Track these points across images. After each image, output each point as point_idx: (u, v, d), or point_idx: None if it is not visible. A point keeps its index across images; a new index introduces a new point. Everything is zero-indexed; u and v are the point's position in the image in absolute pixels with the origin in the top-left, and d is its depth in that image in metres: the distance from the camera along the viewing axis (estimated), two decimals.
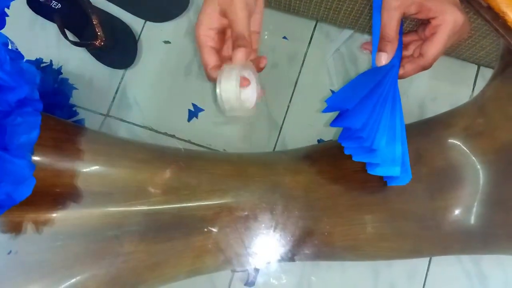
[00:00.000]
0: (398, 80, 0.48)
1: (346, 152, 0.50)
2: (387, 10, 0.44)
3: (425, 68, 0.46)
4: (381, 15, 0.45)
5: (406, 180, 0.49)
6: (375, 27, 0.48)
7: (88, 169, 0.49)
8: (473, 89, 0.76)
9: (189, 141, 0.75)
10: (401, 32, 0.48)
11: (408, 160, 0.48)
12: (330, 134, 0.74)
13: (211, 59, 0.44)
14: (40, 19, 0.78)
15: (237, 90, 0.40)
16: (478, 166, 0.53)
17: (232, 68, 0.41)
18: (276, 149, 0.74)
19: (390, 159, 0.47)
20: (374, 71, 0.48)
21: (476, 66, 0.77)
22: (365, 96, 0.46)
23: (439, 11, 0.43)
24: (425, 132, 0.56)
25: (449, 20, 0.43)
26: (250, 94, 0.45)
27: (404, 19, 0.47)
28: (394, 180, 0.50)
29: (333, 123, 0.49)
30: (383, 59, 0.46)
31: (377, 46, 0.47)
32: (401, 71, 0.48)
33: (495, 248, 0.57)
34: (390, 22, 0.44)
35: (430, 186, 0.53)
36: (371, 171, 0.49)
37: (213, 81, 0.44)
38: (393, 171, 0.47)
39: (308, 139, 0.74)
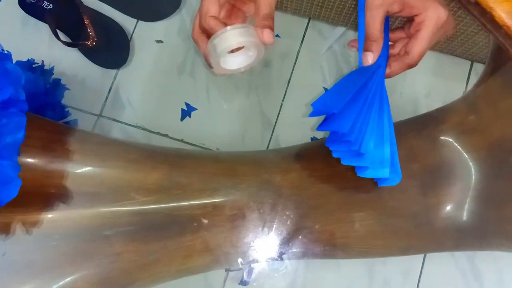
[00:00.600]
0: (392, 77, 0.48)
1: (335, 155, 0.50)
2: (370, 9, 0.44)
3: (411, 66, 0.46)
4: (365, 15, 0.45)
5: (396, 181, 0.49)
6: (360, 26, 0.48)
7: (78, 169, 0.48)
8: (467, 85, 0.76)
9: (182, 141, 0.74)
10: (387, 31, 0.48)
11: (397, 160, 0.48)
12: (323, 132, 0.74)
13: (212, 8, 0.43)
14: (31, 19, 0.77)
15: (233, 44, 0.41)
16: (470, 163, 0.52)
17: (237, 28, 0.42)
18: (269, 148, 0.74)
19: (378, 161, 0.47)
20: (360, 72, 0.48)
21: (469, 62, 0.76)
22: (351, 98, 0.45)
23: (422, 8, 0.43)
24: (417, 129, 0.56)
25: (432, 17, 0.43)
26: (243, 58, 0.46)
27: (389, 17, 0.46)
28: (384, 181, 0.50)
29: (320, 127, 0.48)
30: (369, 58, 0.46)
31: (363, 46, 0.47)
32: (387, 70, 0.47)
33: (488, 244, 0.57)
34: (374, 21, 0.44)
35: (423, 183, 0.53)
36: (361, 174, 0.49)
37: (206, 30, 0.43)
38: (382, 173, 0.47)
39: (301, 137, 0.74)
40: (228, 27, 0.42)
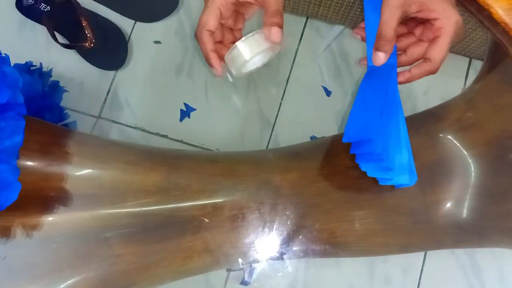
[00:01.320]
0: (410, 82, 0.47)
1: (362, 169, 0.50)
2: (388, 7, 0.42)
3: (432, 72, 0.45)
4: (382, 12, 0.43)
5: (412, 182, 0.48)
6: (368, 22, 0.46)
7: (77, 172, 0.48)
8: (465, 82, 0.76)
9: (181, 141, 0.74)
10: None
11: (413, 162, 0.48)
12: (323, 131, 0.74)
13: (212, 22, 0.45)
14: (29, 22, 0.77)
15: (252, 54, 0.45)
16: (469, 159, 0.52)
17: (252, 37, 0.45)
18: (269, 147, 0.74)
19: (398, 168, 0.47)
20: (374, 75, 0.47)
21: (467, 59, 0.76)
22: (379, 116, 0.44)
23: (442, 13, 0.42)
24: (416, 127, 0.56)
25: (452, 23, 0.42)
26: (259, 58, 0.49)
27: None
28: (402, 184, 0.49)
29: (353, 150, 0.48)
30: (381, 59, 0.45)
31: (372, 43, 0.46)
32: (407, 75, 0.46)
33: (488, 241, 0.57)
34: (390, 21, 0.42)
35: (422, 181, 0.53)
36: (383, 183, 0.49)
37: (197, 39, 0.45)
38: (402, 180, 0.47)
39: (300, 136, 0.74)
40: (237, 43, 0.44)
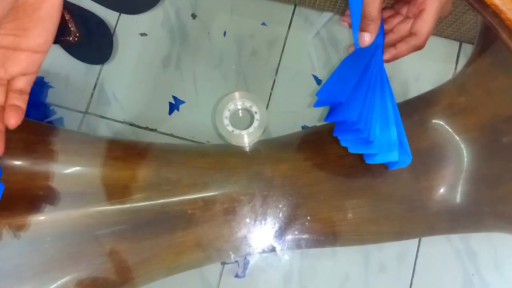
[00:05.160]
0: (397, 59, 0.46)
1: (343, 144, 0.49)
2: None
3: (419, 47, 0.44)
4: None
5: (407, 162, 0.47)
6: (352, 4, 0.46)
7: (63, 170, 0.47)
8: (456, 66, 0.75)
9: (171, 135, 0.73)
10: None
11: (406, 140, 0.47)
12: (314, 120, 0.73)
13: None
14: None
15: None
16: (462, 145, 0.52)
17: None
18: (260, 138, 0.73)
19: (386, 145, 0.46)
20: (359, 54, 0.46)
21: (458, 43, 0.76)
22: (355, 84, 0.44)
23: None
24: (408, 113, 0.55)
25: None
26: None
27: None
28: (394, 164, 0.49)
29: (327, 118, 0.47)
30: (367, 39, 0.44)
31: (357, 26, 0.45)
32: (393, 52, 0.45)
33: (483, 225, 0.57)
34: (374, 0, 0.42)
35: (415, 167, 0.53)
36: (370, 161, 0.48)
37: None
38: (391, 157, 0.46)
39: (292, 126, 0.73)
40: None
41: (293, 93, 0.75)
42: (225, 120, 0.64)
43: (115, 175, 0.49)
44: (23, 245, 0.45)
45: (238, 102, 0.66)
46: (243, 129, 0.63)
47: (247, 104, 0.66)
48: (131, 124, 0.73)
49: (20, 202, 0.45)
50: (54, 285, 0.45)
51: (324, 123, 0.60)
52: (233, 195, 0.51)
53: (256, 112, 0.65)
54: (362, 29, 0.44)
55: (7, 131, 0.39)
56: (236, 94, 0.66)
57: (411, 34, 0.44)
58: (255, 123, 0.64)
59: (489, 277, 0.68)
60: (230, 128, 0.63)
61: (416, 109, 0.55)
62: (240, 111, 0.69)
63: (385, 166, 0.51)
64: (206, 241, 0.50)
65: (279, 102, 0.74)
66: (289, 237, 0.52)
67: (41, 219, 0.46)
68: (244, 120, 0.69)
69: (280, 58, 0.76)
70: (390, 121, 0.46)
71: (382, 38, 0.46)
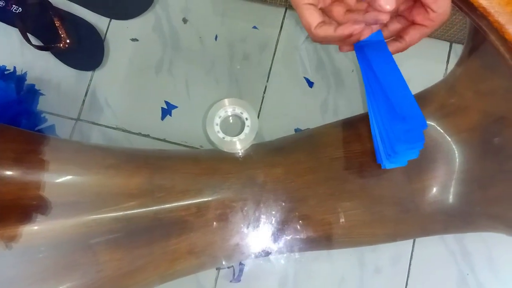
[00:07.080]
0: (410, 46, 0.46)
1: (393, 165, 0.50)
2: None
3: (435, 26, 0.42)
4: None
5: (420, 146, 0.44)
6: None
7: (55, 179, 0.47)
8: (447, 66, 0.76)
9: (164, 140, 0.73)
10: None
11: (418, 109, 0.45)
12: (307, 122, 0.73)
13: (313, 18, 0.40)
14: (1, 24, 0.75)
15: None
16: (453, 146, 0.52)
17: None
18: (252, 143, 0.73)
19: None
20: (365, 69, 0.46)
21: (448, 44, 0.76)
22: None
23: None
24: None
25: None
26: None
27: None
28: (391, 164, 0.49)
29: (389, 164, 0.49)
30: (388, 4, 0.39)
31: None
32: (407, 39, 0.44)
33: (476, 226, 0.57)
34: None
35: (407, 169, 0.53)
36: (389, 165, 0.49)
37: (320, 41, 0.43)
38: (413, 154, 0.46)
39: (285, 129, 0.73)
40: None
41: (285, 96, 0.75)
42: (216, 127, 0.64)
43: (109, 183, 0.49)
44: (16, 256, 0.45)
45: (228, 108, 0.66)
46: (235, 136, 0.63)
47: (238, 110, 0.66)
48: (124, 130, 0.73)
49: (12, 213, 0.45)
50: None
51: (317, 125, 0.61)
52: (227, 200, 0.51)
53: (247, 118, 0.65)
54: None
55: None
56: (226, 101, 0.66)
57: (428, 12, 0.41)
58: (246, 129, 0.64)
59: (483, 276, 0.69)
60: (221, 135, 0.63)
61: None
62: (230, 118, 0.69)
63: (360, 172, 0.51)
64: (200, 247, 0.50)
65: (272, 105, 0.74)
66: (283, 241, 0.52)
67: (34, 229, 0.45)
68: (235, 126, 0.69)
69: (272, 61, 0.76)
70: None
71: (379, 32, 0.45)
